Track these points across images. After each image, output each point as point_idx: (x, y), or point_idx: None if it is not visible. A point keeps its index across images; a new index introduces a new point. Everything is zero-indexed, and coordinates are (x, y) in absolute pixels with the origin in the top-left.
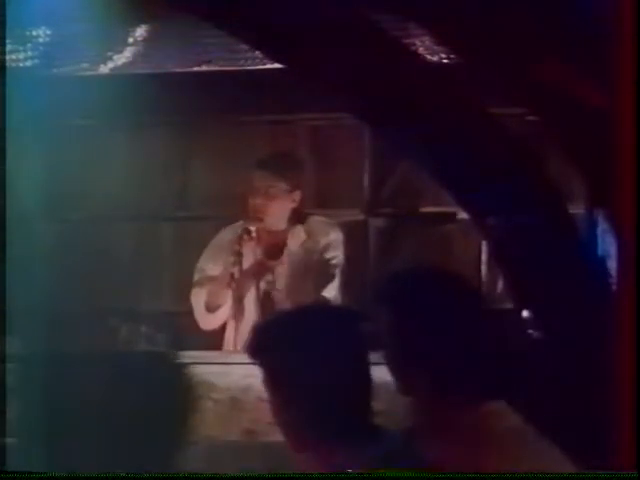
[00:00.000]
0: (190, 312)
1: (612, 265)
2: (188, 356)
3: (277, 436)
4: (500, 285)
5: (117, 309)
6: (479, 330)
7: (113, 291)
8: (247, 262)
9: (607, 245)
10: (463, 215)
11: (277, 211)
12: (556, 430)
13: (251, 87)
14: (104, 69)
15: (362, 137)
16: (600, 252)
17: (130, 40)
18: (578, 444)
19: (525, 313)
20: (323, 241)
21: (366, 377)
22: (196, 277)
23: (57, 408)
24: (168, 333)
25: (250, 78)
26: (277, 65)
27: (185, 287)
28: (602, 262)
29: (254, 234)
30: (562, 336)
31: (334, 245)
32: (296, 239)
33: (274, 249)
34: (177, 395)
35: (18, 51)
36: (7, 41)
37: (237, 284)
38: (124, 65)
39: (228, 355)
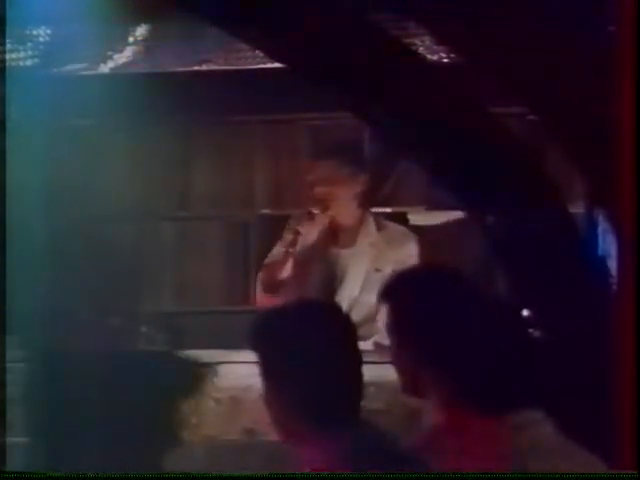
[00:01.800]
0: (190, 312)
1: (612, 265)
2: (188, 356)
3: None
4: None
5: (117, 309)
6: (501, 331)
7: (113, 291)
8: (306, 243)
9: (607, 245)
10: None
11: (344, 197)
12: (556, 431)
13: (251, 87)
14: (104, 69)
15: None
16: (600, 252)
17: (130, 40)
18: (578, 444)
19: (525, 313)
20: (397, 253)
21: (355, 372)
22: (265, 262)
23: (58, 408)
24: (168, 333)
25: (250, 78)
26: (277, 65)
27: (185, 287)
28: (602, 262)
29: (316, 217)
30: (562, 336)
31: (408, 261)
32: (367, 235)
33: (342, 236)
34: (176, 394)
35: (18, 51)
36: (7, 41)
37: (295, 266)
38: (124, 65)
39: (228, 354)
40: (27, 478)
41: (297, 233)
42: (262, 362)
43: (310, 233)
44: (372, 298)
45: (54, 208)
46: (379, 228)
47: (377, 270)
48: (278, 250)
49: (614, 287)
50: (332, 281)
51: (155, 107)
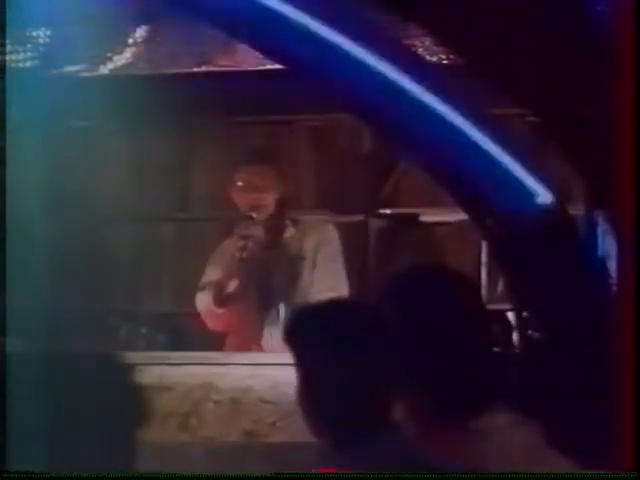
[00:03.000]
0: (190, 313)
1: (612, 266)
2: (188, 357)
3: (277, 437)
4: (500, 286)
5: (117, 309)
6: (480, 334)
7: (113, 291)
8: (253, 248)
9: (607, 246)
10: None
11: (268, 202)
12: (556, 431)
13: (251, 88)
14: (104, 70)
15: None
16: (600, 253)
17: (130, 41)
18: (578, 444)
19: (525, 314)
20: (318, 236)
21: (390, 376)
22: (200, 284)
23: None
24: (168, 334)
25: (250, 79)
26: (277, 66)
27: (185, 288)
28: (602, 263)
29: (257, 219)
30: (562, 337)
31: (329, 240)
32: (287, 232)
33: (268, 242)
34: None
35: (18, 51)
36: (7, 41)
37: (242, 272)
38: (124, 66)
39: (228, 356)
40: (27, 478)
41: (247, 238)
42: (300, 357)
43: (254, 237)
44: (306, 286)
45: (54, 208)
46: (295, 224)
47: (302, 258)
48: (221, 261)
49: (614, 288)
50: (270, 283)
51: (155, 108)
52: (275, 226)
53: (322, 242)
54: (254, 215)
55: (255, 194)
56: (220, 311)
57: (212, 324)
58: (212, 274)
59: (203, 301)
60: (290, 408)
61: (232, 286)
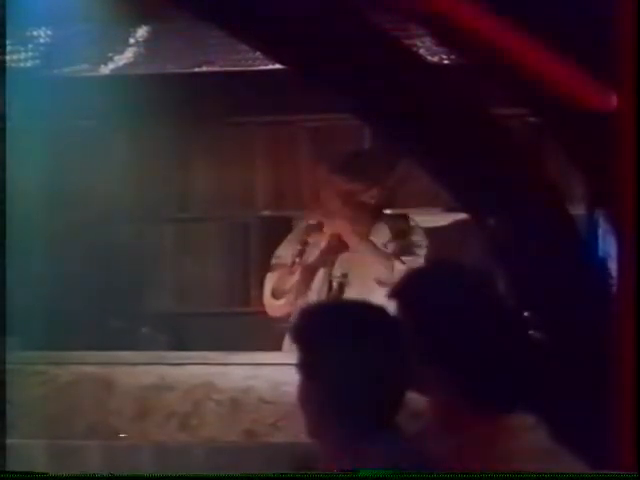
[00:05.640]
0: (190, 314)
1: (612, 265)
2: (188, 357)
3: (277, 437)
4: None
5: (117, 309)
6: (505, 332)
7: (113, 291)
8: (313, 253)
9: (607, 246)
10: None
11: (356, 209)
12: (556, 431)
13: (251, 88)
14: (104, 70)
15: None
16: (600, 253)
17: (131, 40)
18: (578, 444)
19: (525, 314)
20: (405, 267)
21: (397, 377)
22: (272, 262)
23: None
24: (169, 334)
25: (250, 79)
26: (277, 66)
27: (186, 289)
28: (602, 263)
29: (325, 229)
30: (562, 337)
31: (416, 246)
32: (377, 246)
33: (350, 245)
34: None
35: (18, 51)
36: (7, 41)
37: (301, 273)
38: (125, 66)
39: (228, 356)
40: (27, 478)
41: (305, 244)
42: (305, 357)
43: (318, 243)
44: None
45: (54, 209)
46: (391, 238)
47: (380, 283)
48: (286, 255)
49: (614, 288)
50: (338, 287)
51: (155, 108)
52: (354, 233)
53: (407, 249)
54: (324, 222)
55: (336, 201)
56: (275, 302)
57: (269, 310)
58: (280, 257)
59: (266, 286)
60: (290, 408)
61: (287, 283)
